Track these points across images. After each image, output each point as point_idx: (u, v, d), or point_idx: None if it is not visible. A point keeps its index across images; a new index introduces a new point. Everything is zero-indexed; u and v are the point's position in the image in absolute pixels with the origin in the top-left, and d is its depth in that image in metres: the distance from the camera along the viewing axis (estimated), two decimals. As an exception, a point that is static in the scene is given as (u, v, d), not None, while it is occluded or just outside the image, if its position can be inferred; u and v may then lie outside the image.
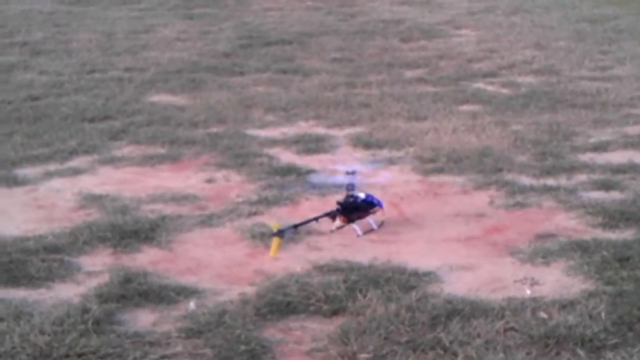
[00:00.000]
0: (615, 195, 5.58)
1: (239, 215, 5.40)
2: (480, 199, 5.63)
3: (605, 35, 11.12)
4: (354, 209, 5.10)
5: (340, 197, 5.20)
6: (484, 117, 7.50)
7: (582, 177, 5.96)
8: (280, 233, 4.77)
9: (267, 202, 5.61)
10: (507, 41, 10.96)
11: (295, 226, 4.99)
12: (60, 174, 6.26)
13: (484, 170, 6.11)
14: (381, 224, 5.20)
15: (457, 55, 10.29)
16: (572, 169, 6.10)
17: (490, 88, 8.65)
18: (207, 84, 9.04)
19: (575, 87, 8.48)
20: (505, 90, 8.53)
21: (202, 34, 12.10)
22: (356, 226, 5.11)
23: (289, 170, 6.26)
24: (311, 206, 5.56)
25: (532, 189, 5.73)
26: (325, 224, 5.11)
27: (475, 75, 9.23)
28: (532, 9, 13.54)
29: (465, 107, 7.92)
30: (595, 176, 5.94)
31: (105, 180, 6.14)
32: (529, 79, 8.97)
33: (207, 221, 5.32)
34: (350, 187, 5.14)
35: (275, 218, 5.27)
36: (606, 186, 5.72)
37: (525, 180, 5.92)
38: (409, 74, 9.38)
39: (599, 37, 11.02)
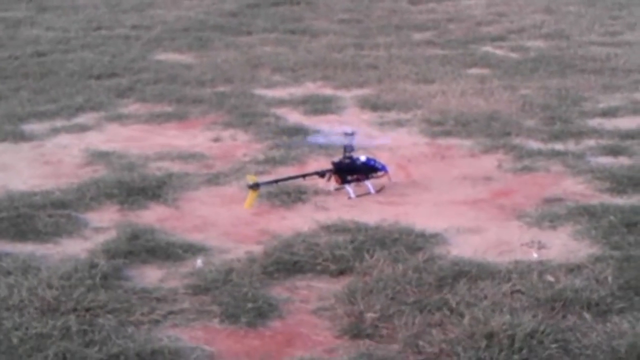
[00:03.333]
0: (624, 160, 5.55)
1: (245, 174, 5.37)
2: (488, 163, 5.60)
3: (616, 0, 11.02)
4: (349, 170, 5.02)
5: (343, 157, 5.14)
6: (493, 80, 7.46)
7: (591, 142, 5.93)
8: (255, 186, 4.74)
9: (273, 162, 5.60)
10: (516, 5, 10.89)
11: (276, 181, 4.92)
12: (66, 130, 6.25)
13: (491, 134, 6.09)
14: (381, 189, 5.13)
15: (466, 18, 10.23)
16: (580, 134, 6.07)
17: (499, 52, 8.60)
18: (214, 42, 9.00)
19: (585, 52, 8.43)
20: (514, 55, 8.48)
21: (209, -8, 12.00)
22: (349, 188, 5.03)
23: (296, 130, 6.25)
24: (319, 166, 5.53)
25: (540, 153, 5.70)
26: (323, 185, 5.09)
27: (484, 38, 9.18)
28: (542, -27, 13.41)
29: (474, 71, 7.88)
30: (604, 141, 5.91)
31: (112, 138, 6.12)
32: (538, 44, 8.91)
33: (214, 180, 5.31)
34: (349, 148, 5.06)
35: (283, 178, 5.27)
36: (614, 151, 5.70)
37: (533, 144, 5.89)
38: (418, 36, 9.33)
39: (609, 2, 10.95)
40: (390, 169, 5.27)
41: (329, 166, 5.16)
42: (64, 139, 6.07)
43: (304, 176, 5.07)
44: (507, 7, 10.81)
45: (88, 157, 5.68)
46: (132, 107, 6.83)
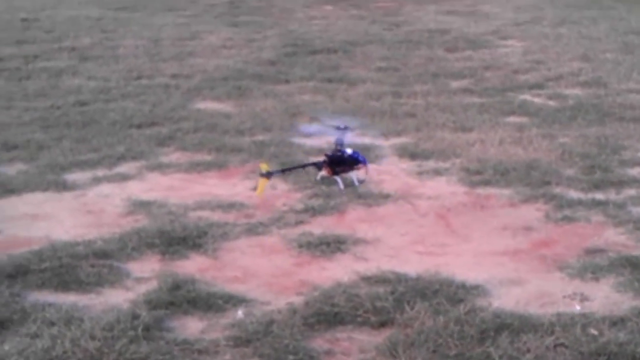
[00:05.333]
0: (666, 210, 5.51)
1: (285, 224, 5.42)
2: (528, 212, 5.59)
3: (654, 47, 11.01)
4: (339, 162, 5.32)
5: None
6: (531, 129, 7.45)
7: (631, 191, 5.90)
8: (267, 174, 4.94)
9: (313, 211, 5.62)
10: (553, 52, 10.89)
11: (283, 170, 5.48)
12: (108, 179, 6.32)
13: (531, 183, 6.07)
14: (362, 181, 5.56)
15: (503, 66, 10.24)
16: (620, 183, 6.03)
17: (536, 100, 8.59)
18: (252, 91, 9.08)
19: (623, 100, 8.39)
20: (552, 102, 8.47)
21: (248, 41, 12.17)
22: (339, 179, 5.44)
23: (335, 179, 6.25)
24: (358, 216, 5.56)
25: (580, 203, 5.68)
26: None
27: (521, 86, 9.17)
28: (579, 20, 13.44)
29: (512, 119, 7.88)
30: (645, 191, 5.88)
31: (153, 187, 6.19)
32: (576, 91, 8.90)
33: (254, 229, 5.34)
34: (339, 141, 5.34)
35: (322, 228, 5.30)
36: (656, 201, 5.66)
37: (574, 194, 5.87)
38: (455, 84, 9.35)
39: (647, 49, 10.92)
40: (430, 218, 5.29)
41: (371, 216, 5.23)
42: (105, 188, 6.15)
43: (303, 166, 5.65)
44: (543, 54, 10.81)
45: (129, 206, 5.74)
46: (172, 155, 6.90)
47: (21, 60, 10.73)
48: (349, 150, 5.45)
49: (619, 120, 7.68)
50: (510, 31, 12.72)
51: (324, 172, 5.45)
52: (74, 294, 4.39)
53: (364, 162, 5.51)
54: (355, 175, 5.46)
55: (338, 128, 5.49)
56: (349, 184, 5.43)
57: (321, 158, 5.49)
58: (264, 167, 5.27)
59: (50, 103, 8.50)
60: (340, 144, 5.44)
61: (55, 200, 5.91)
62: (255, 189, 5.45)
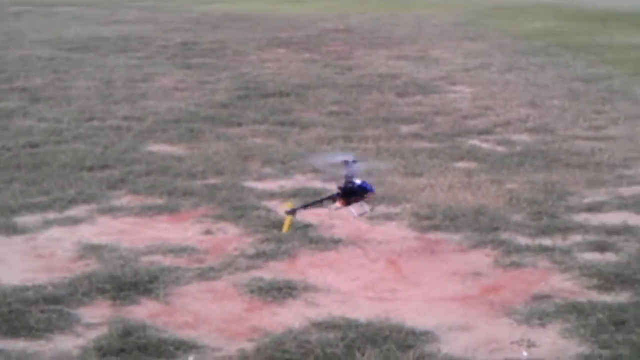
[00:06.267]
0: (610, 257, 5.63)
1: (236, 269, 5.44)
2: (477, 258, 5.68)
3: (599, 95, 11.25)
4: (351, 193, 5.81)
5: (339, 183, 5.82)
6: (480, 174, 7.57)
7: (577, 237, 6.02)
8: (292, 212, 5.38)
9: (265, 256, 5.65)
10: (502, 99, 11.09)
11: (305, 207, 5.84)
12: (59, 223, 6.29)
13: (480, 229, 6.17)
14: (373, 208, 5.98)
15: (452, 111, 10.40)
16: (567, 230, 6.16)
17: (485, 145, 8.74)
18: (205, 134, 9.11)
19: (570, 147, 8.57)
20: (500, 148, 8.62)
21: (201, 84, 12.22)
22: (353, 209, 5.81)
23: (350, 209, 6.25)
24: (309, 261, 5.60)
25: (528, 249, 5.78)
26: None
27: (470, 132, 9.32)
28: (526, 67, 13.71)
29: (461, 164, 8.00)
30: (590, 237, 6.00)
31: (104, 230, 6.17)
32: (524, 137, 9.07)
33: (205, 274, 5.35)
34: (350, 175, 5.57)
35: (274, 273, 5.33)
36: (601, 248, 5.78)
37: (521, 239, 5.98)
38: (405, 129, 9.47)
39: (593, 96, 11.16)
40: (381, 264, 5.37)
41: (323, 261, 5.29)
42: (56, 232, 6.12)
43: (321, 201, 6.01)
44: (492, 100, 11.00)
45: (80, 250, 5.72)
46: (124, 199, 6.89)
47: (-29, 101, 10.66)
48: (357, 181, 5.87)
49: (566, 167, 7.84)
50: (459, 77, 12.93)
51: (338, 204, 5.85)
52: (23, 341, 4.36)
53: (372, 190, 5.96)
54: (366, 203, 5.87)
55: (346, 162, 5.88)
56: (362, 213, 5.84)
57: (335, 191, 5.92)
58: (289, 205, 5.74)
59: (0, 145, 8.44)
60: (351, 176, 5.78)
61: (5, 244, 5.87)
62: (282, 226, 5.76)
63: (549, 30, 19.37)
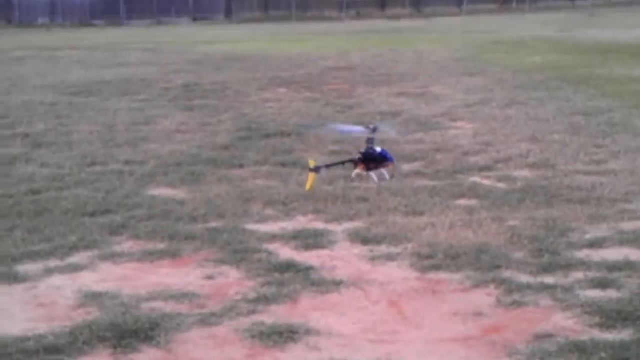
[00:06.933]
0: (612, 293, 5.62)
1: (237, 314, 5.44)
2: (479, 297, 5.67)
3: (600, 128, 11.28)
4: (372, 159, 5.92)
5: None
6: (481, 212, 7.58)
7: (579, 274, 6.01)
8: (316, 169, 5.57)
9: (266, 300, 5.65)
10: (502, 134, 11.12)
11: (328, 166, 6.68)
12: (60, 270, 6.30)
13: (481, 268, 6.17)
14: (392, 176, 6.57)
15: (453, 148, 10.43)
16: (568, 267, 6.15)
17: (486, 182, 8.75)
18: (206, 177, 9.14)
19: (571, 182, 8.58)
20: (501, 185, 8.63)
21: (202, 125, 12.29)
22: (373, 175, 5.87)
23: (288, 266, 6.31)
24: (310, 304, 5.60)
25: (529, 287, 5.77)
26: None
27: (471, 168, 9.34)
28: (526, 101, 13.77)
29: (462, 202, 8.01)
30: (592, 274, 5.99)
31: (106, 277, 6.18)
32: (525, 173, 9.08)
33: (207, 320, 5.35)
34: (371, 140, 5.96)
35: (275, 317, 5.33)
36: (603, 284, 5.77)
37: (523, 277, 5.97)
38: (406, 167, 9.49)
39: (593, 130, 11.18)
40: (382, 305, 5.36)
41: (325, 304, 5.27)
42: (57, 279, 6.13)
43: (343, 163, 6.79)
44: (493, 136, 11.04)
45: (81, 298, 5.73)
46: (125, 245, 6.91)
47: (-27, 148, 10.71)
48: (378, 149, 6.17)
49: (567, 202, 7.84)
50: (460, 113, 12.99)
51: (359, 170, 6.24)
52: (23, 392, 4.35)
53: (392, 160, 6.40)
54: (386, 171, 6.08)
55: (368, 127, 6.24)
56: (382, 179, 6.22)
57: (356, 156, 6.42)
58: (312, 163, 6.16)
59: (2, 192, 8.48)
60: (371, 142, 6.16)
61: (5, 293, 5.87)
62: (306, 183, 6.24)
63: (549, 64, 19.48)
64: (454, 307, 5.53)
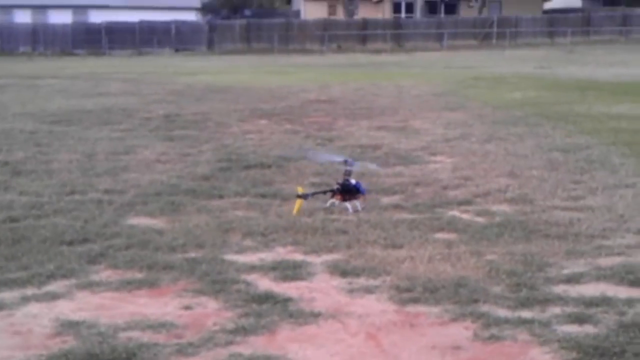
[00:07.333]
0: (589, 329, 5.64)
1: (215, 345, 5.42)
2: (456, 331, 5.67)
3: (578, 165, 11.37)
4: (348, 191, 6.53)
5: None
6: (459, 246, 7.60)
7: (556, 309, 6.03)
8: (303, 196, 6.36)
9: (244, 331, 5.63)
10: (481, 169, 11.19)
11: (313, 194, 7.53)
12: (37, 298, 6.26)
13: (459, 301, 6.18)
14: (364, 207, 7.39)
15: (433, 182, 10.48)
16: (546, 301, 6.17)
17: (465, 216, 8.78)
18: (186, 207, 9.13)
19: (549, 217, 8.63)
20: (479, 219, 8.67)
21: (182, 155, 12.29)
22: (349, 205, 7.28)
23: (267, 297, 6.30)
24: (288, 335, 5.59)
25: (507, 321, 5.79)
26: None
27: (450, 202, 9.38)
28: (506, 137, 13.86)
29: (441, 235, 8.03)
30: (569, 309, 6.01)
31: (83, 306, 6.14)
32: (503, 208, 9.12)
33: (184, 350, 5.33)
34: (348, 172, 6.59)
35: (253, 348, 5.31)
36: (580, 320, 5.79)
37: (501, 312, 5.98)
38: (386, 200, 9.52)
39: (571, 166, 11.27)
40: (360, 338, 5.36)
41: (302, 335, 5.24)
42: (34, 307, 6.09)
43: (325, 192, 7.59)
44: (472, 171, 11.10)
45: (58, 327, 5.69)
46: (103, 274, 6.88)
47: (-48, 175, 10.65)
48: (353, 181, 6.67)
49: (545, 237, 7.88)
50: (439, 147, 13.06)
51: (334, 200, 6.84)
52: (-3, 421, 4.31)
53: (363, 192, 7.38)
54: (358, 202, 7.14)
55: (345, 162, 6.83)
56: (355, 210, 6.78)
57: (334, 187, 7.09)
58: (300, 190, 7.20)
59: (-20, 219, 8.43)
60: (348, 174, 6.74)
61: (-19, 321, 5.82)
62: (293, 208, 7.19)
63: (529, 100, 19.66)
64: (432, 340, 5.53)
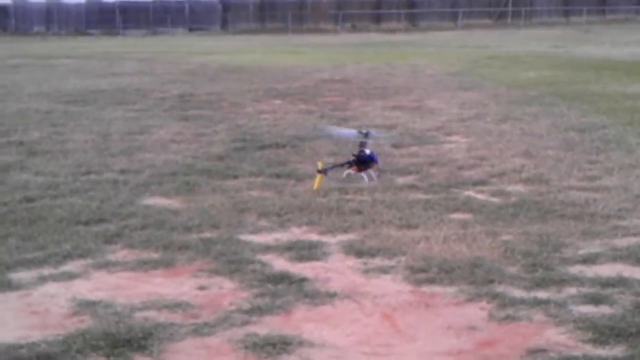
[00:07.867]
0: (605, 310, 5.63)
1: (231, 325, 5.43)
2: (472, 312, 5.67)
3: (594, 145, 11.31)
4: (363, 162, 6.98)
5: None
6: (475, 226, 7.59)
7: (572, 290, 6.02)
8: (324, 171, 7.50)
9: (260, 311, 5.65)
10: (497, 149, 11.15)
11: (332, 168, 8.05)
12: (54, 278, 6.30)
13: (475, 282, 6.17)
14: (379, 176, 7.90)
15: (448, 162, 10.45)
16: (562, 282, 6.16)
17: (480, 197, 8.76)
18: (201, 187, 9.15)
19: (565, 198, 8.59)
20: (495, 199, 8.64)
21: (197, 136, 12.30)
22: (365, 175, 7.68)
23: (282, 278, 6.31)
24: (304, 316, 5.60)
25: (523, 302, 5.78)
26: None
27: (466, 183, 9.35)
28: (521, 117, 13.81)
29: (456, 216, 8.02)
30: (585, 290, 6.00)
31: (100, 286, 6.18)
32: (519, 188, 9.10)
33: (200, 330, 5.35)
34: (364, 144, 6.94)
35: (268, 328, 5.33)
36: (596, 300, 5.78)
37: (516, 292, 5.98)
38: (401, 180, 9.50)
39: (587, 146, 11.22)
40: (376, 318, 5.37)
41: (319, 316, 5.26)
42: (51, 287, 6.12)
43: (342, 165, 8.10)
44: (487, 151, 11.07)
45: (75, 307, 5.72)
46: (119, 254, 6.91)
47: (-32, 155, 10.71)
48: (368, 151, 7.11)
49: (561, 218, 7.85)
50: (455, 127, 13.02)
51: (351, 171, 7.29)
52: (16, 400, 4.35)
53: (377, 162, 7.85)
54: (373, 172, 7.56)
55: (360, 132, 7.24)
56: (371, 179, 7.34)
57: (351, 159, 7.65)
58: (320, 165, 7.57)
59: (-3, 200, 8.47)
60: (364, 146, 7.12)
61: (-1, 301, 5.87)
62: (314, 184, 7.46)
63: (544, 79, 19.56)
64: (448, 321, 5.53)
